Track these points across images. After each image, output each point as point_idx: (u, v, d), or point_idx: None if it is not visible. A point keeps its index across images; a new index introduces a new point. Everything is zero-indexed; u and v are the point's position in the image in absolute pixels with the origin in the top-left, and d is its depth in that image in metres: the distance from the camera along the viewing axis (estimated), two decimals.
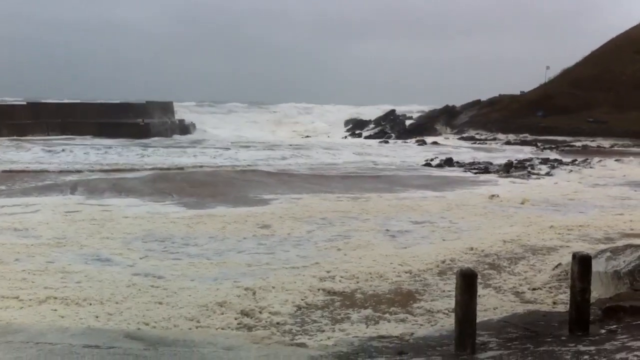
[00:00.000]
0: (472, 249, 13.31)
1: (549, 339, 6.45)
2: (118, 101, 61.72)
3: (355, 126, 70.28)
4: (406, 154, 43.05)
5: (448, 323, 7.91)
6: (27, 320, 8.34)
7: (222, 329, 8.46)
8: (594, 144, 49.96)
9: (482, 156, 39.88)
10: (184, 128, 60.23)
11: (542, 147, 48.79)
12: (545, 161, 35.04)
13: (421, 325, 8.67)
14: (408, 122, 69.17)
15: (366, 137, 61.67)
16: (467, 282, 5.89)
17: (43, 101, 61.46)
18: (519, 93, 71.33)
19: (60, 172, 28.33)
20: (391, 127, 65.88)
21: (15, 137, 44.95)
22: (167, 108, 60.49)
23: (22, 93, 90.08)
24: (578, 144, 50.50)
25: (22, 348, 6.04)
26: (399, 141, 56.51)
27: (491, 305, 9.44)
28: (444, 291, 10.35)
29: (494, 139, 57.17)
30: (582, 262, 6.43)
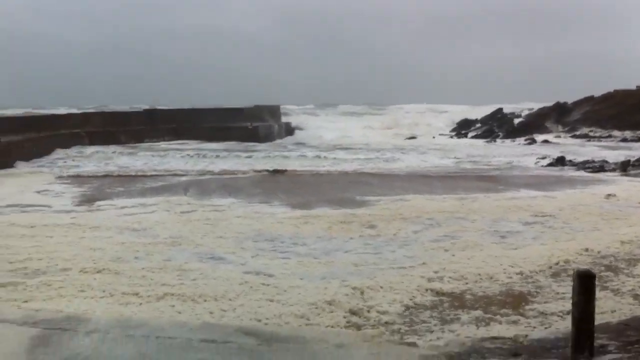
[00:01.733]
0: (587, 250, 12.80)
1: None
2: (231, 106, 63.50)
3: (462, 126, 68.97)
4: (515, 152, 41.86)
5: (563, 326, 7.67)
6: (147, 316, 8.74)
7: (332, 327, 8.57)
8: None
9: (596, 154, 38.21)
10: (290, 130, 61.30)
11: None
12: None
13: (534, 327, 8.44)
14: (517, 121, 67.21)
15: (473, 137, 60.43)
16: (585, 282, 5.70)
17: (158, 107, 64.44)
18: (634, 88, 67.82)
19: (174, 175, 29.51)
20: (499, 126, 64.15)
21: (132, 144, 47.18)
22: (274, 111, 61.68)
23: (136, 101, 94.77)
24: None
25: (143, 341, 6.36)
26: (507, 140, 54.98)
27: (609, 308, 9.05)
28: (557, 293, 10.03)
29: (609, 136, 54.59)
30: None
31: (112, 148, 43.24)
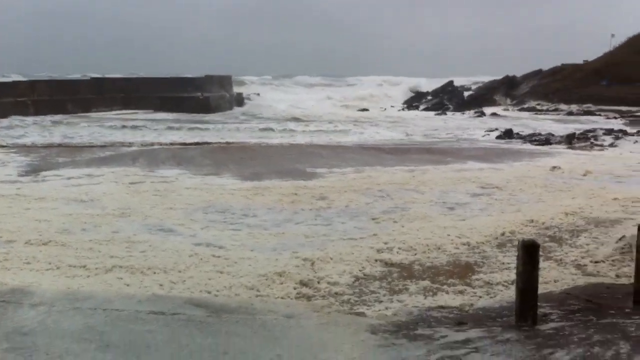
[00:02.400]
0: (532, 221, 13.10)
1: (613, 311, 6.35)
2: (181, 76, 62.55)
3: (413, 99, 69.54)
4: (464, 125, 42.43)
5: (508, 295, 7.86)
6: (94, 288, 8.63)
7: (282, 298, 8.60)
8: None
9: (543, 127, 38.98)
10: (241, 101, 60.84)
11: (605, 117, 47.40)
12: (609, 132, 33.98)
13: (480, 297, 8.62)
14: (467, 94, 68.06)
15: (423, 110, 60.98)
16: (529, 252, 5.84)
17: (107, 76, 63.01)
18: (582, 62, 69.27)
19: (122, 145, 29.03)
20: (449, 99, 64.92)
21: (80, 114, 46.17)
22: (225, 82, 61.01)
23: (84, 69, 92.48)
24: None
25: (90, 314, 6.29)
26: (457, 113, 55.68)
27: (552, 277, 9.30)
28: (503, 263, 10.26)
29: (556, 110, 55.75)
30: None
31: (59, 117, 42.26)
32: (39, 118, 41.34)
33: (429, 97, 68.61)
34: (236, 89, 63.61)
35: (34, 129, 36.28)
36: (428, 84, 77.28)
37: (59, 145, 29.21)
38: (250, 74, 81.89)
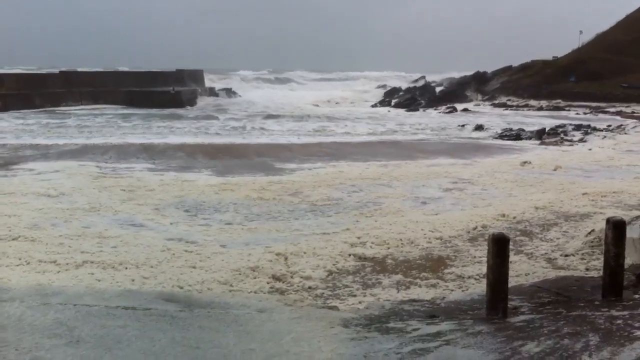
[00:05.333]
0: (503, 215, 13.24)
1: (582, 304, 6.43)
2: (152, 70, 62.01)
3: (386, 94, 69.74)
4: (435, 121, 42.67)
5: (479, 288, 7.93)
6: (65, 284, 8.52)
7: (255, 292, 8.58)
8: (628, 110, 48.90)
9: (513, 123, 39.37)
10: (214, 95, 60.64)
11: (575, 112, 48.05)
12: (578, 127, 34.44)
13: (452, 290, 8.69)
14: (438, 89, 68.44)
15: (395, 105, 61.14)
16: (500, 246, 5.88)
17: (76, 69, 62.28)
18: (551, 58, 70.07)
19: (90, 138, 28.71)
20: (421, 94, 65.17)
21: (49, 108, 45.50)
22: (197, 76, 60.75)
23: (56, 62, 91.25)
24: (612, 109, 49.52)
25: (61, 309, 6.20)
26: (429, 109, 55.94)
27: (523, 271, 9.42)
28: (474, 257, 10.35)
29: (526, 105, 56.37)
30: (616, 227, 6.37)
31: (27, 113, 41.59)
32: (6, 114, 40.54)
33: (402, 93, 68.81)
34: (221, 84, 63.50)
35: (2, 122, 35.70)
36: (399, 80, 77.73)
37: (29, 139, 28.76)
38: (229, 67, 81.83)
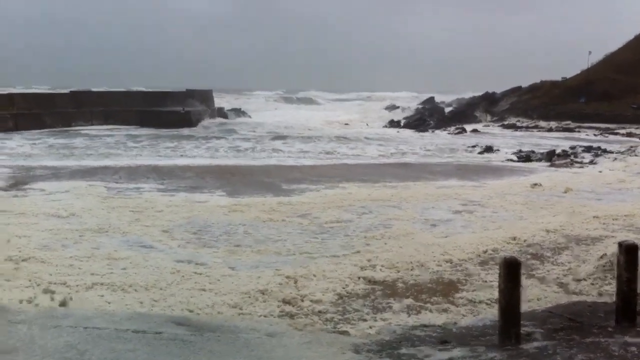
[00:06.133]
0: (514, 238, 13.16)
1: (595, 330, 6.37)
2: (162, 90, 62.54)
3: (395, 115, 69.84)
4: (445, 142, 42.62)
5: (491, 313, 7.86)
6: (75, 306, 8.51)
7: (265, 316, 8.54)
8: (638, 131, 48.75)
9: (523, 144, 39.31)
10: (223, 115, 60.86)
11: (585, 134, 47.94)
12: (588, 149, 34.36)
13: (464, 315, 8.62)
14: (447, 110, 68.52)
15: (405, 126, 61.13)
16: (511, 270, 5.84)
17: (90, 89, 62.77)
18: (560, 79, 70.12)
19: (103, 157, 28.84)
20: (430, 115, 65.23)
21: (59, 128, 45.74)
22: (206, 96, 60.99)
23: (69, 81, 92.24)
24: (622, 131, 49.37)
25: (71, 332, 6.18)
26: (438, 130, 55.90)
27: (535, 295, 9.34)
28: (486, 281, 10.27)
29: (536, 126, 56.29)
30: (629, 251, 6.33)
31: (38, 133, 41.90)
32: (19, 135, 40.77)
33: (411, 114, 68.89)
34: (234, 103, 63.98)
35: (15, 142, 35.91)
36: (409, 100, 78.02)
37: (43, 157, 28.91)
38: (237, 87, 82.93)
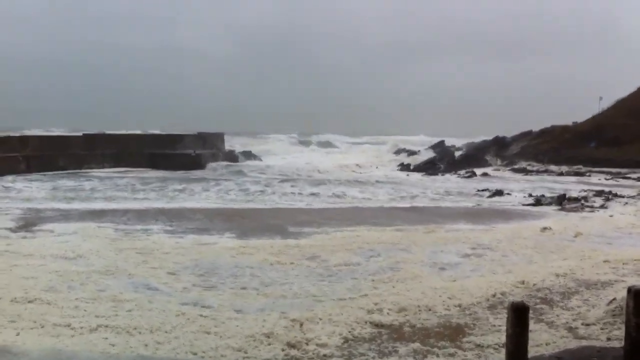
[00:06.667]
0: (523, 282, 13.04)
1: None
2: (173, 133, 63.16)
3: (405, 158, 70.06)
4: (455, 186, 42.54)
5: (498, 358, 7.76)
6: (79, 348, 8.48)
7: None
8: None
9: (533, 188, 39.20)
10: (234, 158, 61.20)
11: (596, 178, 47.77)
12: (599, 193, 34.22)
13: None
14: (458, 153, 68.62)
15: (415, 169, 61.24)
16: (519, 315, 5.78)
17: (104, 132, 63.56)
18: (570, 123, 70.26)
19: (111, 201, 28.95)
20: (440, 158, 65.32)
21: (72, 170, 46.17)
22: (217, 139, 61.56)
23: (81, 124, 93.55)
24: (633, 175, 49.16)
25: None
26: (448, 173, 55.89)
27: (543, 340, 9.21)
28: (494, 325, 10.15)
29: (546, 171, 56.16)
30: (638, 297, 6.25)
31: (50, 175, 42.26)
32: (34, 176, 41.09)
33: (420, 157, 69.06)
34: (249, 147, 64.89)
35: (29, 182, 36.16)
36: (420, 144, 78.40)
37: (53, 199, 29.09)
38: (250, 130, 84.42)
